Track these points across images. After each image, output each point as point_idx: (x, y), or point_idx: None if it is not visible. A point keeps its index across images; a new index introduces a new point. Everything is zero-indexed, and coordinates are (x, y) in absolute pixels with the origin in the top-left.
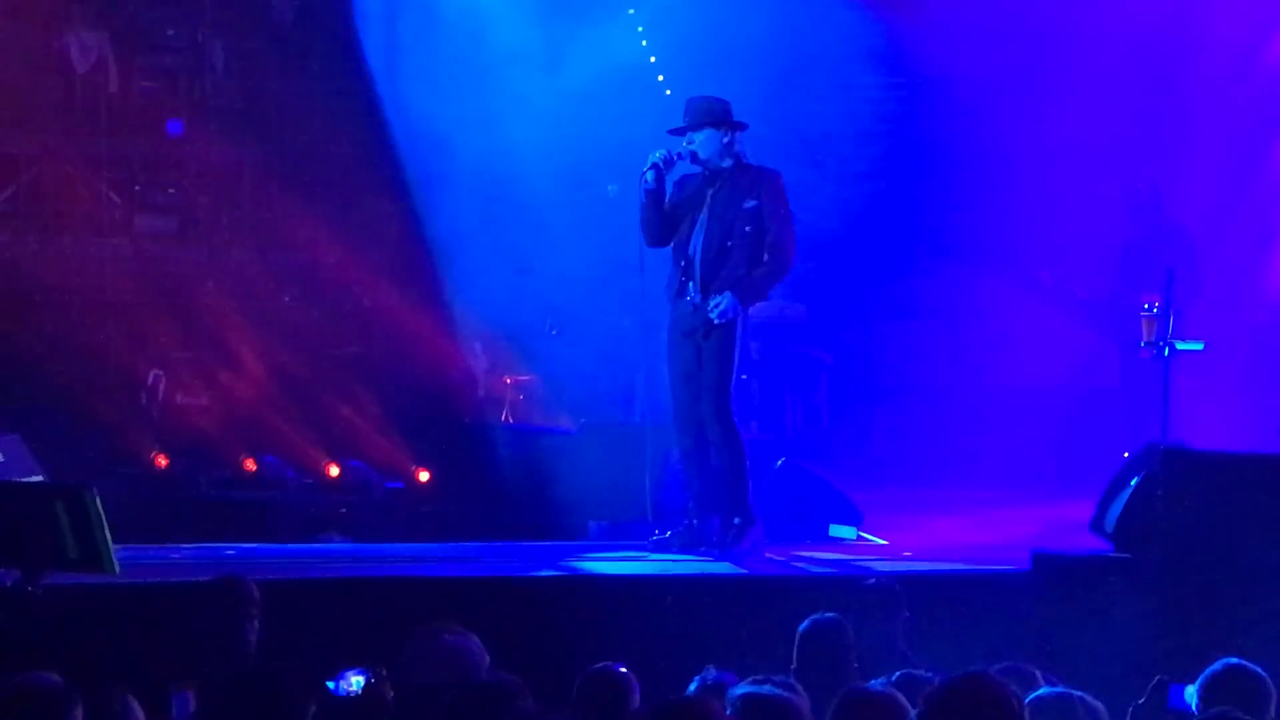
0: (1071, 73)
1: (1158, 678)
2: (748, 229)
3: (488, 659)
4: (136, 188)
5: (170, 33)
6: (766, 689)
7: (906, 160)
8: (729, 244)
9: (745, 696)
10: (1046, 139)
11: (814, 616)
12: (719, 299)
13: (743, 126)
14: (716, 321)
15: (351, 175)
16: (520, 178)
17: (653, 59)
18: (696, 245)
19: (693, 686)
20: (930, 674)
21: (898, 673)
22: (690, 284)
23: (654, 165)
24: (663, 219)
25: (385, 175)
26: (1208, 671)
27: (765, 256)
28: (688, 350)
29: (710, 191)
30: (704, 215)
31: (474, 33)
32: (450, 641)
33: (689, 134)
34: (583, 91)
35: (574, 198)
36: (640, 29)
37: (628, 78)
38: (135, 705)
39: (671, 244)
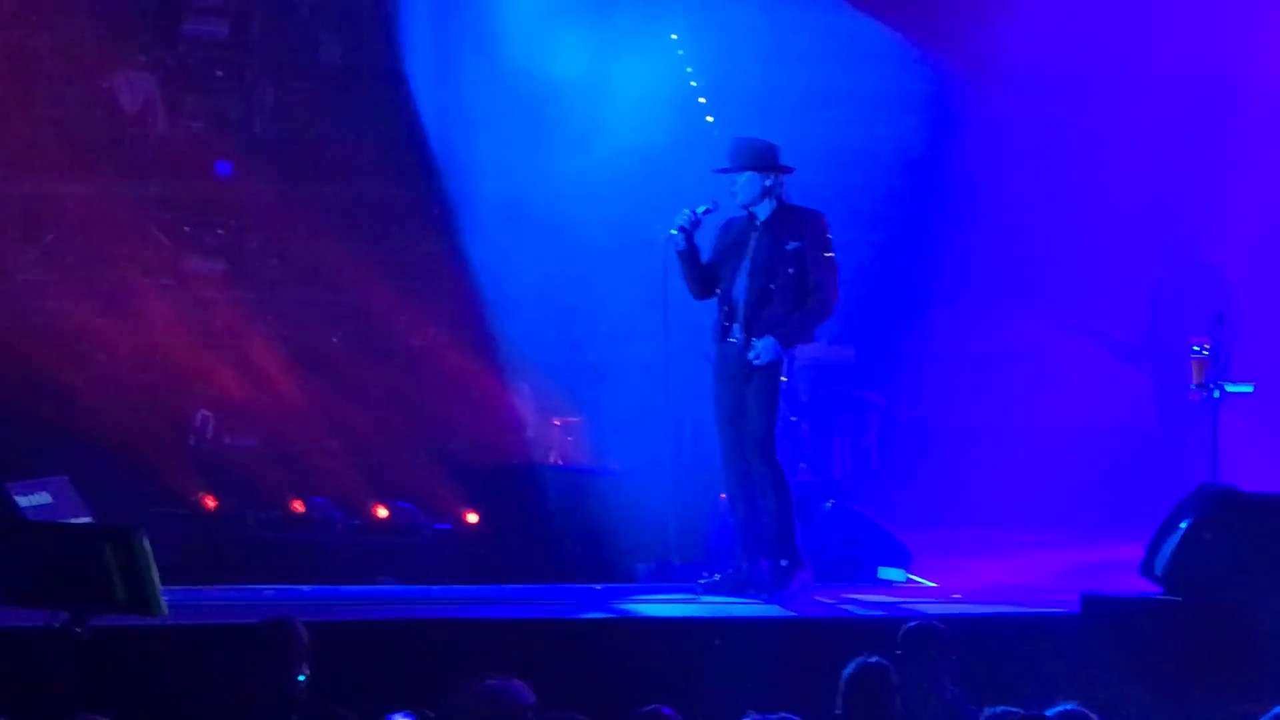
0: (1122, 111)
1: None
2: (790, 271)
3: (533, 700)
4: (185, 229)
5: (219, 74)
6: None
7: (957, 201)
8: (771, 286)
9: None
10: (1097, 180)
11: (858, 660)
12: (760, 343)
13: (786, 170)
14: (757, 365)
15: (400, 216)
16: (569, 218)
17: (702, 100)
18: (740, 288)
19: None
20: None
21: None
22: (734, 326)
23: (680, 229)
24: (701, 274)
25: (434, 216)
26: (1267, 716)
27: (809, 298)
28: (732, 393)
29: (754, 235)
30: (748, 258)
31: (522, 73)
32: (493, 685)
33: (731, 176)
34: (631, 129)
35: (623, 239)
36: (689, 70)
37: (677, 117)
38: None
39: (720, 287)
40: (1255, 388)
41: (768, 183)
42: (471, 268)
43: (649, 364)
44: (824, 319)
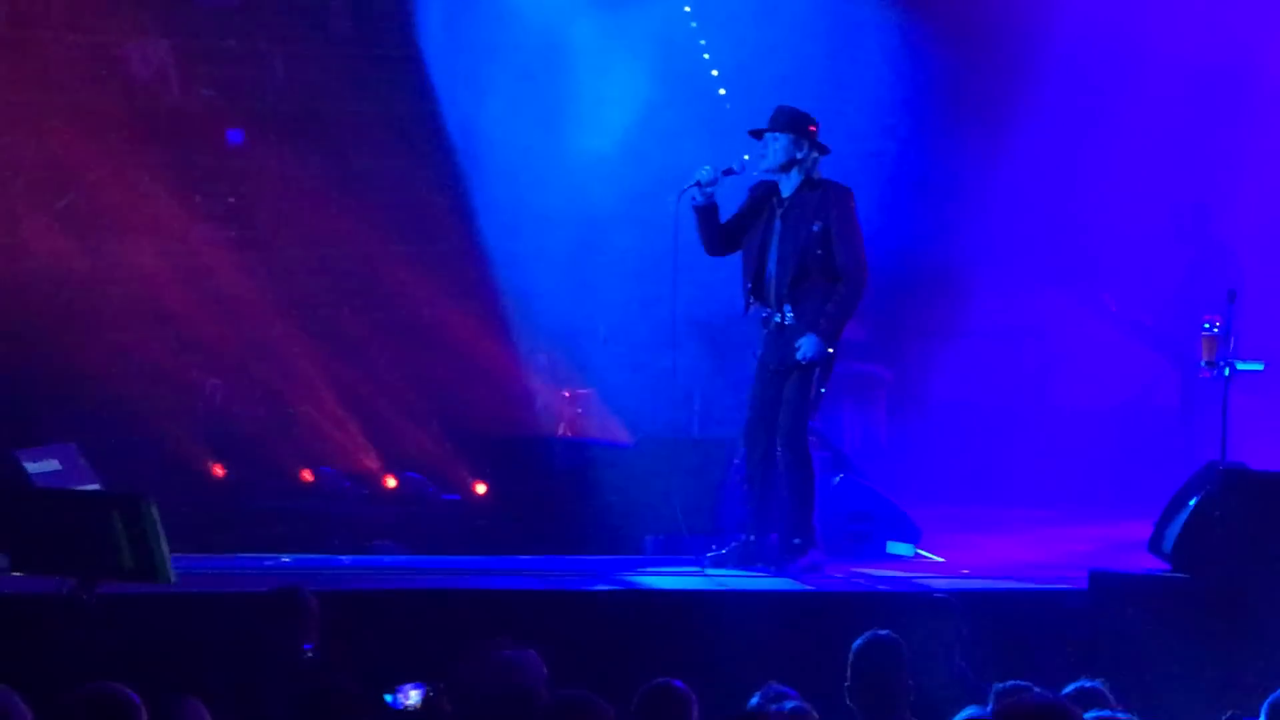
0: (1131, 92)
1: (1230, 713)
2: (818, 252)
3: (546, 672)
4: (196, 197)
5: (231, 42)
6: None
7: (967, 178)
8: (802, 269)
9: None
10: (1107, 158)
11: (868, 634)
12: (804, 341)
13: (821, 147)
14: (801, 362)
15: (411, 186)
16: (580, 188)
17: (715, 72)
18: (771, 269)
19: (755, 700)
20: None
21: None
22: (774, 314)
23: (698, 183)
24: (716, 231)
25: (445, 187)
26: (1273, 697)
27: (838, 282)
28: (772, 377)
29: (779, 211)
30: (775, 240)
31: (535, 43)
32: (508, 655)
33: (765, 136)
34: (644, 103)
35: (634, 209)
36: (703, 42)
37: (689, 91)
38: (204, 709)
39: (742, 258)
40: (1266, 365)
41: (800, 154)
42: (481, 238)
43: (659, 336)
44: (858, 299)
